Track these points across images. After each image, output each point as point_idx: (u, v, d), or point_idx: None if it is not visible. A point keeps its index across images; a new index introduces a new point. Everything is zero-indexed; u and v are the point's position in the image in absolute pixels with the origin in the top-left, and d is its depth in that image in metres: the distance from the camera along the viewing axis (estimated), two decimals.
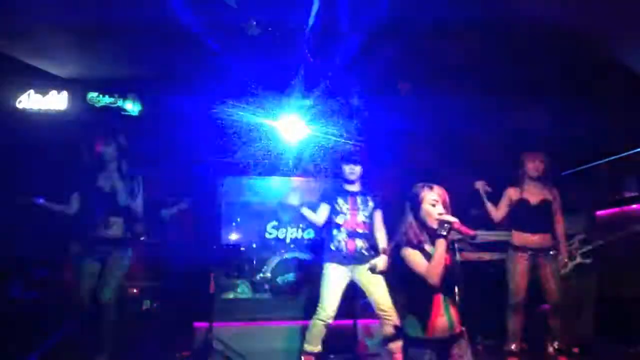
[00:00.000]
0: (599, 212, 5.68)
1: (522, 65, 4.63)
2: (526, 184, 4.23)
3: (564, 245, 4.17)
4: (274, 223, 5.98)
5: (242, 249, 5.82)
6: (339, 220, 3.98)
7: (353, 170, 4.01)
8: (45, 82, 5.12)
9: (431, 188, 2.59)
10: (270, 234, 5.95)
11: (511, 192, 4.28)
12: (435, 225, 2.50)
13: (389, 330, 3.77)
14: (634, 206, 5.44)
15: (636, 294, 4.81)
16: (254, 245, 5.89)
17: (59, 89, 5.14)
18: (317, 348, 3.83)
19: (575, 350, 4.16)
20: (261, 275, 5.58)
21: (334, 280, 3.88)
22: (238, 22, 3.95)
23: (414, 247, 2.51)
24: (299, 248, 5.87)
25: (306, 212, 4.04)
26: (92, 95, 5.21)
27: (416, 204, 2.58)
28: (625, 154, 5.64)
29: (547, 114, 5.12)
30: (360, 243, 3.95)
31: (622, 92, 4.67)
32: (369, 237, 4.01)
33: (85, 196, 3.96)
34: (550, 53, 4.47)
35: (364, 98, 5.00)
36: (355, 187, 4.07)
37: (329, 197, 4.05)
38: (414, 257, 2.48)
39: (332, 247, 3.94)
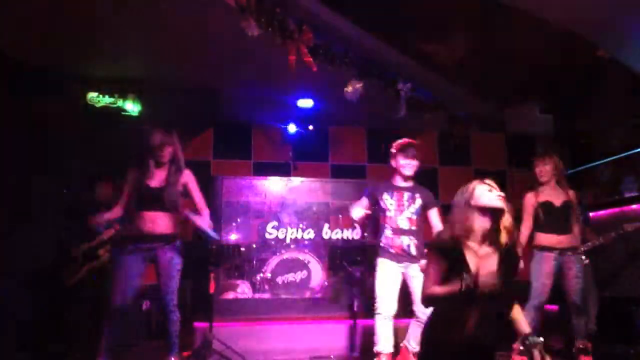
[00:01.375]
0: (599, 212, 5.69)
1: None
2: (541, 187, 4.19)
3: (584, 244, 4.17)
4: (274, 223, 5.96)
5: (242, 249, 5.80)
6: (384, 216, 3.88)
7: (410, 164, 3.88)
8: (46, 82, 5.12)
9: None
10: (270, 234, 5.94)
11: (530, 198, 4.20)
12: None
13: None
14: (634, 206, 5.44)
15: (635, 294, 4.82)
16: (254, 246, 5.88)
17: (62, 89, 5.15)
18: (388, 348, 3.68)
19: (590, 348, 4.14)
20: (261, 275, 5.58)
21: (386, 275, 3.77)
22: None
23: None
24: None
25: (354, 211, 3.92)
26: (92, 95, 5.21)
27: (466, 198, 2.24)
28: (625, 154, 5.64)
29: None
30: (406, 241, 3.81)
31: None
32: (417, 235, 3.85)
33: None
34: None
35: None
36: (404, 183, 3.94)
37: (372, 193, 3.94)
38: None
39: (381, 244, 3.86)
